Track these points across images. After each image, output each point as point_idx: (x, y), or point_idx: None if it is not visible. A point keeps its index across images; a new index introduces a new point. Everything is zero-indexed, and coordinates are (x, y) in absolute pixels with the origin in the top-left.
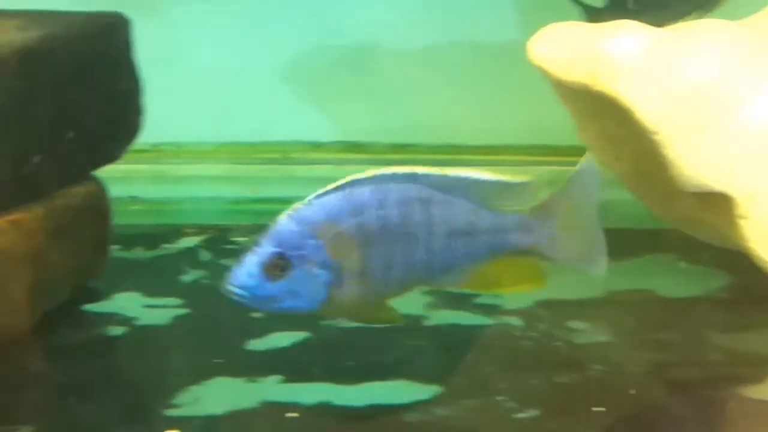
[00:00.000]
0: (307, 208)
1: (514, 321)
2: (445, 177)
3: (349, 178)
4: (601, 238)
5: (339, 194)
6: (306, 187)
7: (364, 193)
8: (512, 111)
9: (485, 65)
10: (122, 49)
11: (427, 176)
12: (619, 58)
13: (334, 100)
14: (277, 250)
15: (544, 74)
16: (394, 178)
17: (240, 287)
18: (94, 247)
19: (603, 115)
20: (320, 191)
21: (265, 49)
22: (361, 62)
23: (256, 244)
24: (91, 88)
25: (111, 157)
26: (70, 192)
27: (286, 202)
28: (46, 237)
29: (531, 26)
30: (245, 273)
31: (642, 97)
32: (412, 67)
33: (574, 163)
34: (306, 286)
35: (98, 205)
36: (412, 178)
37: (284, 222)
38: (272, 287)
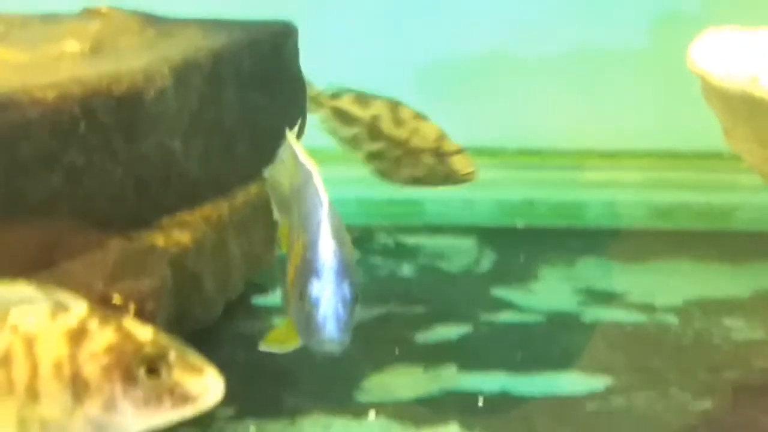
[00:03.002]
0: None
1: (670, 318)
2: None
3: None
4: None
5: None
6: (434, 190)
7: None
8: (639, 116)
9: (613, 72)
10: (291, 55)
11: None
12: None
13: (463, 106)
14: (352, 290)
15: (701, 79)
16: None
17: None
18: (264, 242)
19: (758, 118)
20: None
21: (396, 57)
22: (490, 69)
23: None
24: (265, 92)
25: None
26: (248, 189)
27: (416, 204)
28: (230, 232)
29: (656, 34)
30: (341, 323)
31: None
32: (540, 73)
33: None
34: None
35: (268, 203)
36: None
37: (339, 253)
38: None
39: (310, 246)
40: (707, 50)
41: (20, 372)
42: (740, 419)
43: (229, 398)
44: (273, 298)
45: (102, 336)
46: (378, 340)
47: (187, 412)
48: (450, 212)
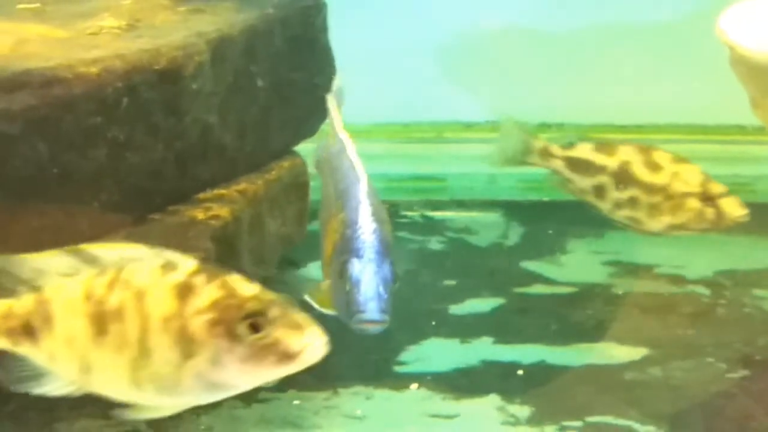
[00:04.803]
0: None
1: (701, 289)
2: None
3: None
4: None
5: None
6: (458, 166)
7: None
8: (663, 90)
9: (632, 46)
10: (320, 31)
11: None
12: None
13: (486, 81)
14: (392, 270)
15: (730, 50)
16: None
17: (383, 318)
18: (297, 218)
19: None
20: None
21: (422, 30)
22: (513, 44)
23: (362, 258)
24: (296, 67)
25: (308, 134)
26: (280, 165)
27: (441, 179)
28: (265, 206)
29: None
30: (382, 303)
31: None
32: (562, 48)
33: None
34: None
35: (301, 179)
36: None
37: (379, 233)
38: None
39: (350, 224)
40: (736, 21)
41: (132, 326)
42: None
43: None
44: (305, 272)
45: (208, 292)
46: (413, 312)
47: (289, 368)
48: (474, 186)
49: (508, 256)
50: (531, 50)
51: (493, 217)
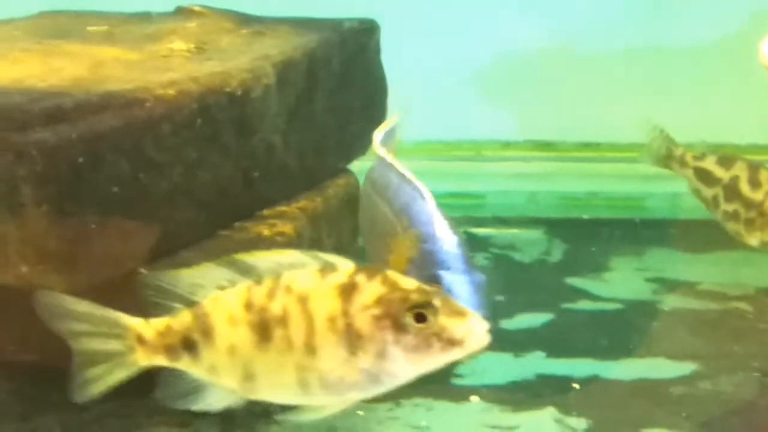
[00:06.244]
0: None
1: (744, 306)
2: None
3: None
4: None
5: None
6: (497, 183)
7: None
8: (701, 111)
9: (671, 67)
10: (374, 52)
11: None
12: None
13: (524, 101)
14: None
15: None
16: None
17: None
18: (350, 233)
19: None
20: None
21: (462, 51)
22: (551, 65)
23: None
24: (352, 88)
25: (361, 152)
26: (336, 182)
27: (479, 197)
28: (323, 223)
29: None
30: (487, 309)
31: None
32: (600, 69)
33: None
34: None
35: (353, 195)
36: None
37: (461, 242)
38: None
39: (428, 238)
40: None
41: (297, 329)
42: None
43: None
44: None
45: (371, 289)
46: None
47: (455, 355)
48: (515, 204)
49: (553, 273)
50: (571, 71)
51: (535, 234)
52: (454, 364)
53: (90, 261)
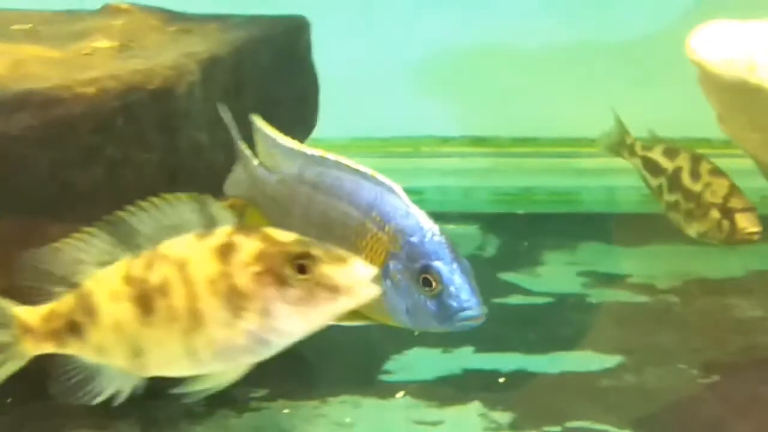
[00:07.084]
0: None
1: (672, 298)
2: None
3: None
4: None
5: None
6: (435, 179)
7: None
8: (632, 105)
9: (605, 62)
10: (305, 49)
11: None
12: None
13: (461, 97)
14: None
15: (700, 69)
16: None
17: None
18: None
19: (754, 106)
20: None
21: (397, 48)
22: (488, 61)
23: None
24: (281, 85)
25: None
26: None
27: (417, 193)
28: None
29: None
30: (478, 294)
31: None
32: (535, 65)
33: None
34: None
35: None
36: None
37: (443, 232)
38: None
39: (413, 231)
40: (706, 40)
41: (179, 297)
42: (746, 392)
43: (260, 381)
44: None
45: (249, 246)
46: None
47: (343, 304)
48: (452, 200)
49: (486, 268)
50: (507, 67)
51: (469, 229)
52: (382, 360)
53: (12, 261)
